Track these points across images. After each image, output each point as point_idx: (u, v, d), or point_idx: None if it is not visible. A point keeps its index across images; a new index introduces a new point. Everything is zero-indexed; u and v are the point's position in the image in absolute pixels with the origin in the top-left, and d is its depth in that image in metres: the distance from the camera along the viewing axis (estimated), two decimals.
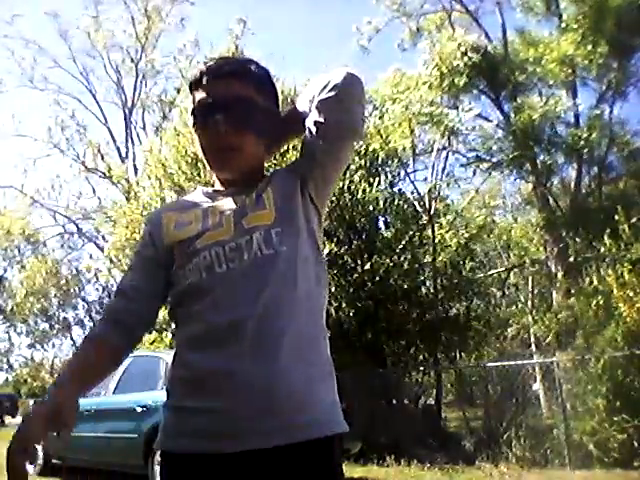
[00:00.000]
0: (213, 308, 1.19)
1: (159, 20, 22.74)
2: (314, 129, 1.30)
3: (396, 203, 11.57)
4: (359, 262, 10.42)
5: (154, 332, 10.82)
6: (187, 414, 1.20)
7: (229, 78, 1.31)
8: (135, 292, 1.31)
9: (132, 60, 23.14)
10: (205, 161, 1.37)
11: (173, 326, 1.37)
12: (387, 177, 11.87)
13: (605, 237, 9.19)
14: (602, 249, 9.90)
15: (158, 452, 1.30)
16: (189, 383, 1.22)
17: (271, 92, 1.39)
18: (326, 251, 9.83)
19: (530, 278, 18.86)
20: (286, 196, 1.29)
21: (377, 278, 10.37)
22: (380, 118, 12.83)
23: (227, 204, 1.31)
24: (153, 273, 1.32)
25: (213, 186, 1.42)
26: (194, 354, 1.21)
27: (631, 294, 7.98)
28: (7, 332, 25.15)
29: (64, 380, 1.21)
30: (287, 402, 1.15)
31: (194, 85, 1.35)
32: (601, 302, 8.46)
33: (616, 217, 9.10)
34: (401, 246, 11.05)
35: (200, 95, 1.33)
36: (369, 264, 10.23)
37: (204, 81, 1.32)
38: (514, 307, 19.11)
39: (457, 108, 13.41)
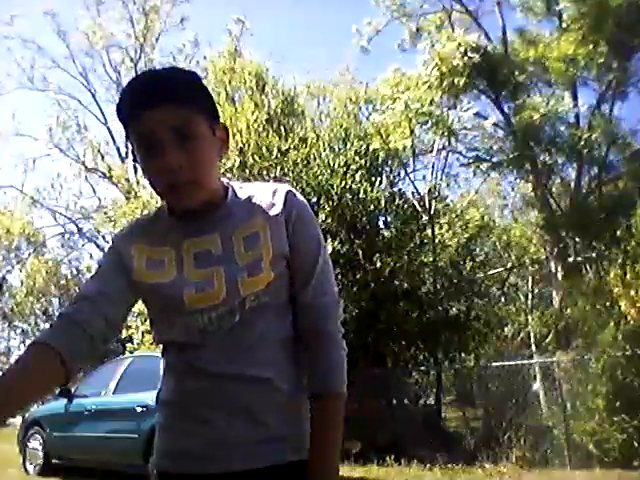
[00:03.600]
0: (205, 361, 1.20)
1: (157, 19, 22.72)
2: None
3: (396, 203, 11.57)
4: (361, 262, 10.42)
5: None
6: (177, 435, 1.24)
7: (167, 103, 1.15)
8: (101, 296, 1.21)
9: (131, 60, 23.14)
10: (156, 193, 1.23)
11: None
12: (387, 177, 11.88)
13: (612, 236, 9.19)
14: (602, 248, 9.92)
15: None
16: (175, 406, 1.25)
17: (210, 102, 1.25)
18: (329, 249, 9.83)
19: (530, 278, 18.86)
20: (279, 258, 1.24)
21: (380, 278, 10.37)
22: (382, 118, 12.84)
23: (206, 246, 1.23)
24: (120, 284, 1.23)
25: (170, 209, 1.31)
26: (180, 382, 1.25)
27: (632, 293, 7.99)
28: (7, 332, 25.16)
29: None
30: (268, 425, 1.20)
31: (125, 116, 1.20)
32: (601, 302, 8.47)
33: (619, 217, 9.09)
34: (401, 246, 11.05)
35: (137, 127, 1.18)
36: (373, 264, 10.22)
37: (137, 111, 1.16)
38: (514, 307, 19.11)
39: (457, 108, 13.41)
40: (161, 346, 1.33)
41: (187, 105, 1.17)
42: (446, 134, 13.06)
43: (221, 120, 1.29)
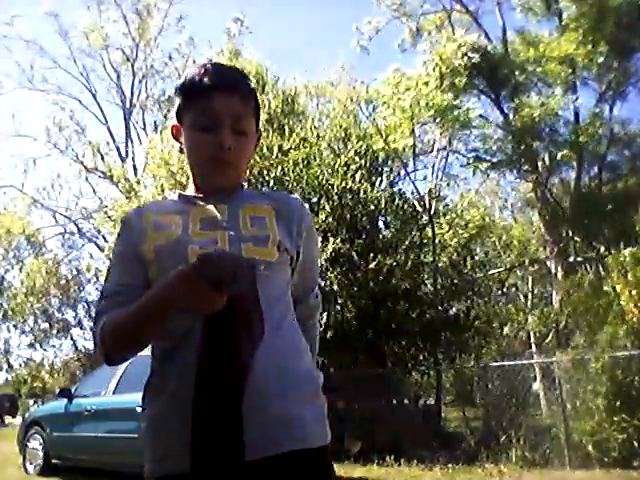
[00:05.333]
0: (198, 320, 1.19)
1: (151, 19, 22.70)
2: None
3: (396, 203, 11.57)
4: (361, 262, 10.42)
5: None
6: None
7: (236, 95, 1.34)
8: (127, 289, 1.28)
9: (128, 59, 23.14)
10: (192, 165, 1.40)
11: None
12: (388, 177, 11.88)
13: (611, 235, 9.19)
14: (602, 248, 9.92)
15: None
16: (169, 396, 1.21)
17: (258, 109, 1.44)
18: (329, 249, 9.83)
19: (530, 278, 18.87)
20: (282, 250, 1.33)
21: (380, 278, 10.37)
22: (382, 118, 12.84)
23: (212, 214, 1.34)
24: (137, 271, 1.30)
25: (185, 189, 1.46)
26: (173, 364, 1.22)
27: (634, 292, 7.99)
28: (8, 332, 25.15)
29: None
30: (266, 416, 1.17)
31: (197, 92, 1.34)
32: (602, 301, 8.47)
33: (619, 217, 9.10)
34: (402, 246, 11.05)
35: (207, 105, 1.33)
36: (372, 264, 10.23)
37: (211, 92, 1.32)
38: (514, 307, 19.11)
39: (459, 108, 13.40)
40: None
41: (249, 104, 1.38)
42: (452, 130, 13.04)
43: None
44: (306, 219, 1.43)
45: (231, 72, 1.41)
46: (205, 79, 1.33)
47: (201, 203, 1.36)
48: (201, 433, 1.06)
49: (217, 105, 1.32)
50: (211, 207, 1.34)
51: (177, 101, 1.40)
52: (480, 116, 13.94)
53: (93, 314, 1.46)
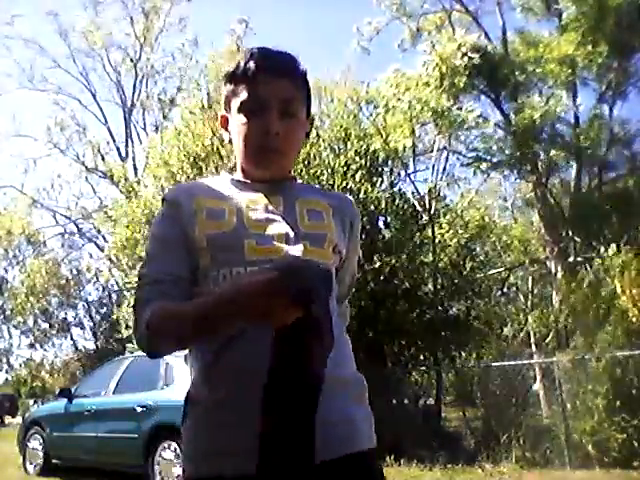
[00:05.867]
0: None
1: (157, 19, 22.71)
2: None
3: (396, 203, 11.57)
4: (361, 262, 10.42)
5: None
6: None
7: (285, 78, 1.29)
8: (171, 278, 1.19)
9: (131, 60, 23.14)
10: (240, 153, 1.32)
11: None
12: (388, 177, 11.88)
13: (612, 235, 9.19)
14: (602, 248, 9.91)
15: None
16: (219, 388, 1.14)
17: (309, 94, 1.38)
18: None
19: (530, 278, 18.87)
20: (336, 252, 1.29)
21: (380, 278, 10.37)
22: (382, 118, 12.84)
23: (268, 204, 1.27)
24: (183, 259, 1.21)
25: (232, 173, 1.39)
26: (232, 353, 1.13)
27: (634, 292, 8.00)
28: (8, 332, 25.16)
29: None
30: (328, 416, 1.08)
31: (246, 77, 1.29)
32: (602, 301, 8.47)
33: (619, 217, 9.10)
34: (401, 246, 11.05)
35: (253, 90, 1.27)
36: (373, 264, 10.22)
37: (256, 75, 1.27)
38: (514, 307, 19.11)
39: (460, 109, 13.41)
40: None
41: (300, 88, 1.32)
42: (450, 132, 13.05)
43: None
44: (357, 220, 1.39)
45: (279, 55, 1.33)
46: (251, 63, 1.29)
47: (255, 191, 1.29)
48: (270, 454, 0.98)
49: (263, 89, 1.27)
50: (266, 196, 1.28)
51: (225, 90, 1.34)
52: (480, 117, 13.95)
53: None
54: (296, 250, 1.19)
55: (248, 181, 1.32)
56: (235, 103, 1.30)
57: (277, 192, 1.29)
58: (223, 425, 1.13)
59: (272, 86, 1.27)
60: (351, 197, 1.46)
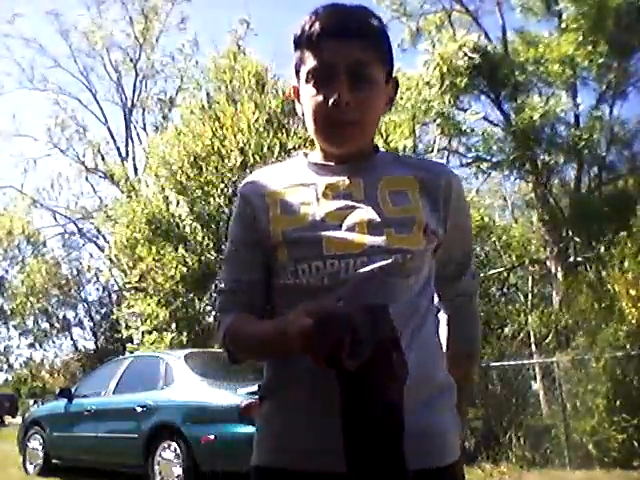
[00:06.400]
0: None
1: (156, 20, 22.71)
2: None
3: None
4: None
5: (154, 332, 10.83)
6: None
7: (354, 39, 1.14)
8: (247, 286, 1.19)
9: (131, 60, 23.15)
10: (312, 130, 1.20)
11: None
12: None
13: (619, 234, 9.20)
14: (602, 248, 9.92)
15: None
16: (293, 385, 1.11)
17: (390, 53, 1.22)
18: None
19: (530, 278, 18.86)
20: (429, 233, 1.17)
21: None
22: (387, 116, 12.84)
23: (347, 189, 1.17)
24: (258, 260, 1.18)
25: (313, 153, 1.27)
26: None
27: (633, 292, 7.99)
28: (7, 332, 25.16)
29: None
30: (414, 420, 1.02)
31: (309, 42, 1.17)
32: (602, 301, 8.47)
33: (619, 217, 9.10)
34: None
35: (318, 56, 1.15)
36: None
37: (323, 38, 1.14)
38: (514, 307, 19.11)
39: (463, 110, 13.43)
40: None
41: (372, 47, 1.16)
42: (452, 133, 13.05)
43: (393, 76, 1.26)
44: (455, 190, 1.22)
45: (347, 12, 1.17)
46: (315, 25, 1.15)
47: (332, 174, 1.18)
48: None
49: (329, 54, 1.13)
50: (344, 180, 1.17)
51: (294, 57, 1.22)
52: (484, 119, 13.97)
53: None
54: (379, 241, 1.10)
55: (325, 163, 1.21)
56: (303, 72, 1.19)
57: (357, 173, 1.18)
58: (291, 424, 1.12)
59: (339, 50, 1.13)
60: (445, 163, 1.31)
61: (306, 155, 1.27)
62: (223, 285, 1.23)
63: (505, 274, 18.30)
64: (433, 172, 1.23)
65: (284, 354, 1.09)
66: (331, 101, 1.12)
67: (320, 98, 1.15)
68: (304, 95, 1.19)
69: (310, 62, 1.16)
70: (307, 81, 1.17)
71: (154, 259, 11.21)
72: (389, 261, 1.10)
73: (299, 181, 1.19)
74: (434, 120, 13.02)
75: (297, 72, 1.21)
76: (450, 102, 12.77)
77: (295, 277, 1.12)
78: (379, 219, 1.12)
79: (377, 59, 1.17)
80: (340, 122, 1.14)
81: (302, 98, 1.21)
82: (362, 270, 1.09)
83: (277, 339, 1.04)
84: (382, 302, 1.03)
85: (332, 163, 1.20)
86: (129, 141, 23.56)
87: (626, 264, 8.28)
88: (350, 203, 1.14)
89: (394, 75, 1.24)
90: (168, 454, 6.41)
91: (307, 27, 1.17)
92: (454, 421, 1.15)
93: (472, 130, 13.61)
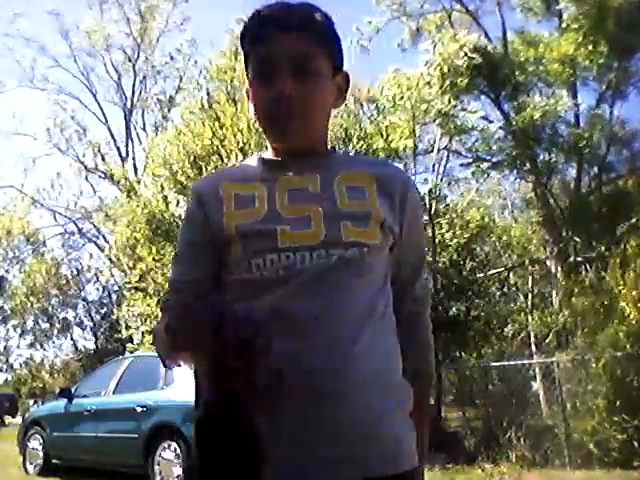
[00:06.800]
0: (288, 298, 1.06)
1: (153, 20, 22.71)
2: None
3: None
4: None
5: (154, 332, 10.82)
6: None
7: (296, 32, 1.12)
8: (191, 286, 1.16)
9: (130, 60, 23.16)
10: (259, 125, 1.21)
11: None
12: None
13: (612, 235, 9.19)
14: (602, 249, 9.92)
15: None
16: None
17: (337, 47, 1.22)
18: None
19: (530, 278, 18.86)
20: (385, 230, 1.14)
21: None
22: (383, 118, 12.85)
23: (302, 183, 1.15)
24: (207, 258, 1.16)
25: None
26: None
27: (634, 293, 7.99)
28: (7, 332, 25.17)
29: None
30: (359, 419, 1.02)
31: (251, 38, 1.17)
32: (602, 301, 8.47)
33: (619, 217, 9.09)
34: None
35: (262, 51, 1.14)
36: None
37: (266, 34, 1.13)
38: (514, 307, 19.11)
39: (463, 110, 13.42)
40: None
41: (316, 40, 1.15)
42: (454, 132, 13.06)
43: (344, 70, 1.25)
44: (411, 191, 1.21)
45: (289, 8, 1.16)
46: (258, 21, 1.16)
47: (288, 170, 1.16)
48: None
49: (272, 48, 1.13)
50: (300, 175, 1.15)
51: (243, 56, 1.22)
52: (484, 119, 13.98)
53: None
54: (335, 233, 1.08)
55: (279, 159, 1.19)
56: (249, 69, 1.19)
57: (313, 169, 1.16)
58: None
59: (282, 43, 1.12)
60: (400, 165, 1.27)
61: (261, 154, 1.26)
62: (170, 285, 1.22)
63: (505, 274, 18.31)
64: (390, 171, 1.23)
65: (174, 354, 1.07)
66: (274, 94, 1.11)
67: (265, 92, 1.14)
68: (252, 92, 1.18)
69: (255, 58, 1.16)
70: (253, 77, 1.17)
71: (154, 259, 11.20)
72: (346, 254, 1.08)
73: (254, 177, 1.18)
74: (434, 120, 13.01)
75: (247, 71, 1.21)
76: (450, 102, 12.77)
77: (249, 271, 1.10)
78: (335, 212, 1.10)
79: (322, 52, 1.15)
80: (284, 115, 1.13)
81: (250, 95, 1.19)
82: (318, 262, 1.06)
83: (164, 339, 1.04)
84: (339, 296, 1.04)
85: (287, 158, 1.18)
86: (129, 141, 23.59)
87: (633, 265, 8.26)
88: (306, 196, 1.13)
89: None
90: (168, 454, 6.41)
91: (250, 24, 1.17)
92: (409, 427, 1.11)
93: (472, 128, 13.60)
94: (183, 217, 1.27)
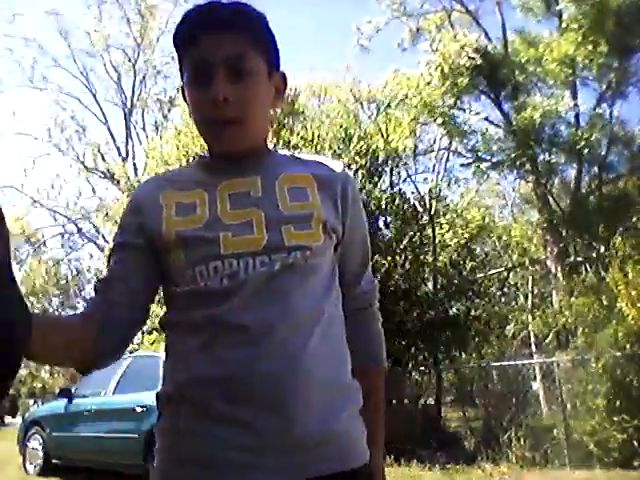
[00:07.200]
0: (236, 309, 1.04)
1: (153, 20, 22.72)
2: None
3: (397, 203, 11.58)
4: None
5: (154, 332, 10.82)
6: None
7: (228, 32, 1.10)
8: (122, 290, 1.13)
9: (130, 60, 23.17)
10: (199, 131, 1.18)
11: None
12: (388, 177, 11.90)
13: (616, 235, 9.20)
14: (602, 248, 9.92)
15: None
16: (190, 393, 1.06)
17: (273, 46, 1.19)
18: None
19: (530, 278, 18.86)
20: (328, 229, 1.13)
21: (379, 277, 10.38)
22: (384, 117, 12.85)
23: (243, 187, 1.13)
24: (144, 265, 1.13)
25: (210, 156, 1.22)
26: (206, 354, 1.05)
27: (633, 293, 7.99)
28: None
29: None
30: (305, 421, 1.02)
31: (183, 40, 1.13)
32: (602, 301, 8.47)
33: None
34: (402, 246, 11.05)
35: (192, 54, 1.12)
36: (373, 264, 10.24)
37: (198, 36, 1.10)
38: (514, 307, 19.12)
39: (463, 110, 13.45)
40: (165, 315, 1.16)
41: (249, 39, 1.11)
42: (456, 132, 13.07)
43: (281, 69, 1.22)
44: (351, 188, 1.20)
45: (219, 8, 1.12)
46: (188, 24, 1.12)
47: (228, 173, 1.14)
48: None
49: (203, 50, 1.09)
50: (242, 178, 1.13)
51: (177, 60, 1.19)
52: (486, 119, 13.98)
53: None
54: (277, 238, 1.08)
55: (219, 162, 1.17)
56: (184, 73, 1.15)
57: (253, 172, 1.14)
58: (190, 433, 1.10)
59: (214, 45, 1.09)
60: (340, 162, 1.26)
61: (202, 158, 1.25)
62: (102, 284, 1.17)
63: (505, 274, 18.32)
64: (330, 170, 1.21)
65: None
66: (210, 98, 1.09)
67: (200, 96, 1.11)
68: (188, 95, 1.15)
69: (189, 61, 1.13)
70: (189, 81, 1.14)
71: None
72: (289, 259, 1.07)
73: (195, 183, 1.15)
74: (434, 120, 13.02)
75: (181, 73, 1.17)
76: (451, 101, 12.78)
77: (194, 281, 1.08)
78: (277, 216, 1.09)
79: (256, 52, 1.12)
80: (221, 120, 1.10)
81: (187, 99, 1.16)
82: (261, 270, 1.06)
83: None
84: (286, 303, 1.04)
85: (227, 162, 1.16)
86: (129, 141, 23.60)
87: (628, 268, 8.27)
88: (248, 201, 1.11)
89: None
90: None
91: (182, 26, 1.13)
92: (358, 426, 1.11)
93: (473, 131, 13.63)
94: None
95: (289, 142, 10.88)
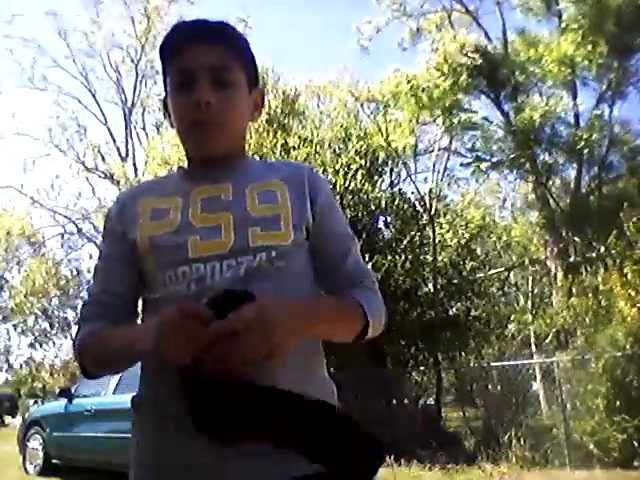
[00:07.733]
0: None
1: (159, 20, 22.71)
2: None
3: (397, 203, 11.58)
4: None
5: None
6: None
7: (214, 45, 1.17)
8: (111, 298, 1.19)
9: (132, 60, 23.15)
10: (179, 136, 1.23)
11: None
12: (388, 177, 11.90)
13: (611, 236, 9.19)
14: (602, 249, 9.91)
15: None
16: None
17: (253, 64, 1.26)
18: None
19: (530, 278, 18.86)
20: (299, 228, 1.16)
21: (379, 277, 10.37)
22: (383, 116, 12.85)
23: (215, 192, 1.17)
24: (124, 274, 1.19)
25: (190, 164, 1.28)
26: None
27: (632, 293, 7.99)
28: (7, 332, 25.16)
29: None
30: None
31: (171, 51, 1.21)
32: (602, 302, 8.47)
33: (620, 216, 9.10)
34: (402, 246, 11.05)
35: (178, 63, 1.18)
36: (374, 264, 10.24)
37: (184, 46, 1.18)
38: (514, 307, 19.12)
39: (463, 110, 13.44)
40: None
41: (234, 53, 1.20)
42: (457, 131, 13.08)
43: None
44: (318, 181, 1.24)
45: (205, 23, 1.23)
46: (176, 36, 1.21)
47: (202, 179, 1.19)
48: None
49: (190, 59, 1.16)
50: (215, 184, 1.18)
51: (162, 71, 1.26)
52: (485, 119, 13.98)
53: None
54: (243, 240, 1.10)
55: (195, 169, 1.23)
56: (168, 81, 1.22)
57: (226, 179, 1.19)
58: (164, 440, 1.20)
59: (200, 55, 1.16)
60: (310, 164, 1.34)
61: (180, 168, 1.30)
62: (88, 296, 1.24)
63: (505, 274, 18.31)
64: (296, 169, 1.26)
65: (136, 358, 1.11)
66: (194, 101, 1.14)
67: (184, 101, 1.17)
68: (171, 103, 1.21)
69: (174, 70, 1.20)
70: (173, 89, 1.20)
71: None
72: (254, 262, 1.09)
73: (171, 189, 1.21)
74: (434, 120, 13.02)
75: (165, 84, 1.25)
76: (451, 101, 12.79)
77: (164, 286, 1.11)
78: (245, 218, 1.13)
79: (239, 66, 1.20)
80: (203, 122, 1.16)
81: (170, 107, 1.22)
82: (227, 275, 1.07)
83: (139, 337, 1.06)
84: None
85: (204, 169, 1.21)
86: (129, 141, 23.58)
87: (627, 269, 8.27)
88: (218, 205, 1.15)
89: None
90: None
91: (170, 38, 1.21)
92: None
93: (475, 125, 13.62)
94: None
95: (285, 144, 10.89)
